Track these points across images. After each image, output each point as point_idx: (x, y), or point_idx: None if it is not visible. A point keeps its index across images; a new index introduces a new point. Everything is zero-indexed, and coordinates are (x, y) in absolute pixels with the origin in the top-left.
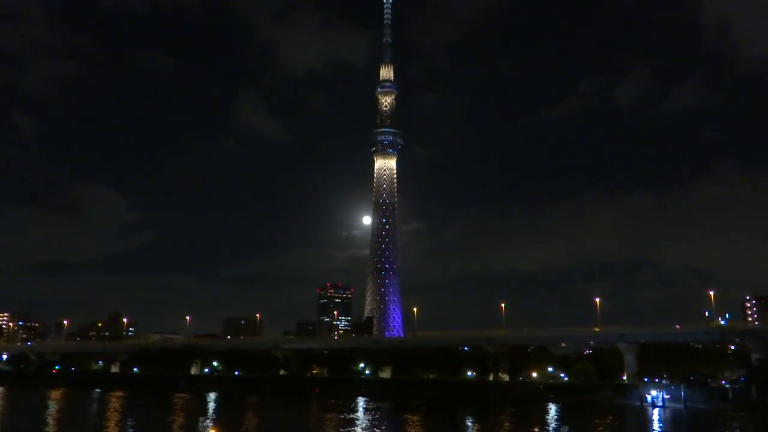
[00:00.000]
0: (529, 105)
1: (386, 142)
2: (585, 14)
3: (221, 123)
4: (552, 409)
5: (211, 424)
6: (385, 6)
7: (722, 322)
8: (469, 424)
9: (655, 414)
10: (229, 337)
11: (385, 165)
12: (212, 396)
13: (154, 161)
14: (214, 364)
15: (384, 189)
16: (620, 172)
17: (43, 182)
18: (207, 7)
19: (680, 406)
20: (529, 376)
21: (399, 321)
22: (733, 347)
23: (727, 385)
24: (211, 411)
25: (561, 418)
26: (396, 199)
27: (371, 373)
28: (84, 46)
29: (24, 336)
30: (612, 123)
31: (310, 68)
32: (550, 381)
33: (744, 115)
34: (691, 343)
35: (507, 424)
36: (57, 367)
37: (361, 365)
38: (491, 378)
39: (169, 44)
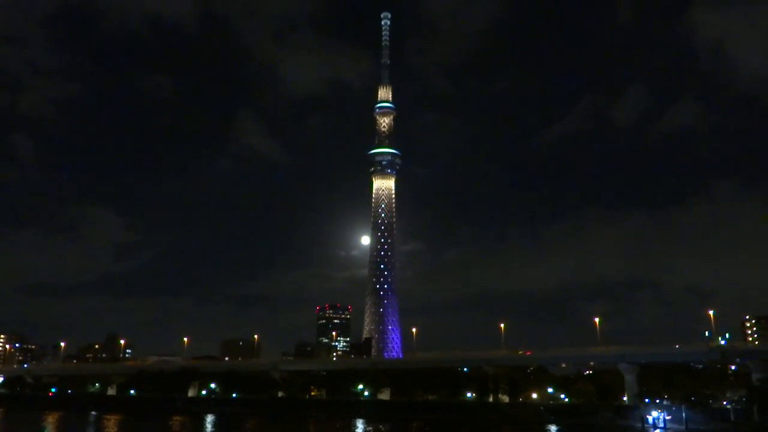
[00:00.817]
0: (526, 124)
1: (384, 163)
2: (582, 34)
3: (219, 143)
4: (552, 430)
5: None
6: (383, 28)
7: (722, 342)
8: None
9: None
10: (227, 358)
11: (384, 185)
12: (210, 419)
13: (151, 182)
14: (212, 386)
15: (382, 209)
16: (618, 191)
17: (40, 203)
18: (205, 27)
19: (681, 427)
20: (529, 397)
21: (398, 342)
22: (733, 367)
23: (729, 406)
24: None
25: None
26: (394, 220)
27: (370, 395)
28: (83, 68)
29: (20, 358)
30: (609, 142)
31: (309, 89)
32: (551, 402)
33: (740, 134)
34: (692, 364)
35: None
36: (53, 390)
37: (360, 387)
38: (491, 399)
39: (168, 65)
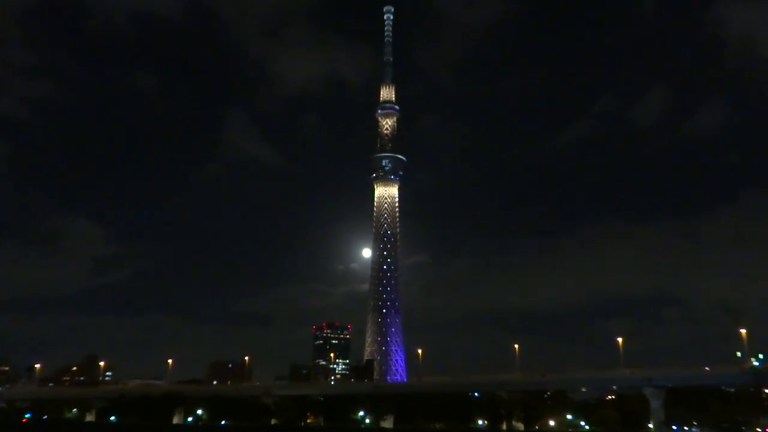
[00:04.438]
0: (539, 128)
1: (387, 168)
2: (599, 31)
3: (208, 147)
4: None
5: None
6: (385, 22)
7: (756, 364)
8: None
9: None
10: (215, 382)
11: (386, 193)
12: None
13: (135, 189)
14: (199, 412)
15: (385, 219)
16: (639, 200)
17: (14, 212)
18: (193, 22)
19: None
20: (546, 424)
21: (402, 364)
22: None
23: None
24: None
25: None
26: (398, 230)
27: (372, 422)
28: (60, 65)
29: None
30: (629, 147)
31: (305, 87)
32: (570, 430)
33: None
34: (723, 387)
35: None
36: (28, 415)
37: (361, 413)
38: (504, 427)
39: (153, 62)
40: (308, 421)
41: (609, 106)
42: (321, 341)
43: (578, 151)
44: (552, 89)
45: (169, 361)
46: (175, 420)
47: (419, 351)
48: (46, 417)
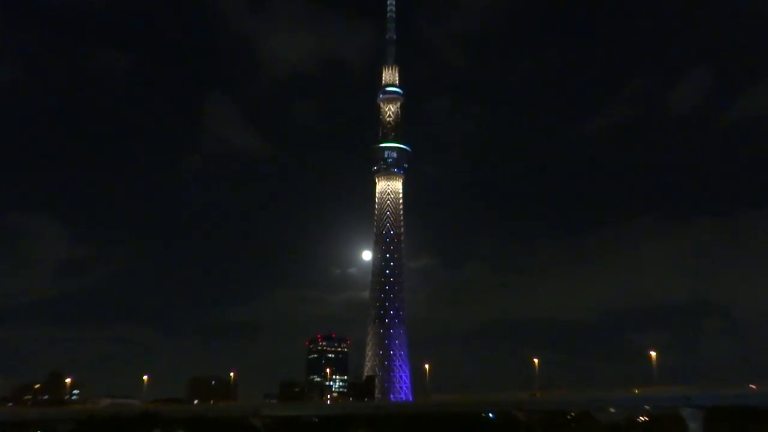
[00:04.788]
0: (562, 113)
1: (390, 160)
2: (631, 4)
3: (186, 136)
4: None
5: None
6: None
7: None
8: None
9: None
10: (196, 401)
11: (389, 187)
12: None
13: (104, 184)
14: None
15: (387, 217)
16: (677, 195)
17: None
18: None
19: None
20: None
21: (407, 381)
22: None
23: None
24: None
25: None
26: (402, 230)
27: None
28: (18, 44)
29: None
30: (664, 136)
31: (297, 69)
32: None
33: None
34: None
35: None
36: None
37: None
38: None
39: (123, 39)
40: None
41: (641, 90)
42: (315, 355)
43: (606, 140)
44: (577, 70)
45: (144, 377)
46: None
47: (426, 366)
48: None
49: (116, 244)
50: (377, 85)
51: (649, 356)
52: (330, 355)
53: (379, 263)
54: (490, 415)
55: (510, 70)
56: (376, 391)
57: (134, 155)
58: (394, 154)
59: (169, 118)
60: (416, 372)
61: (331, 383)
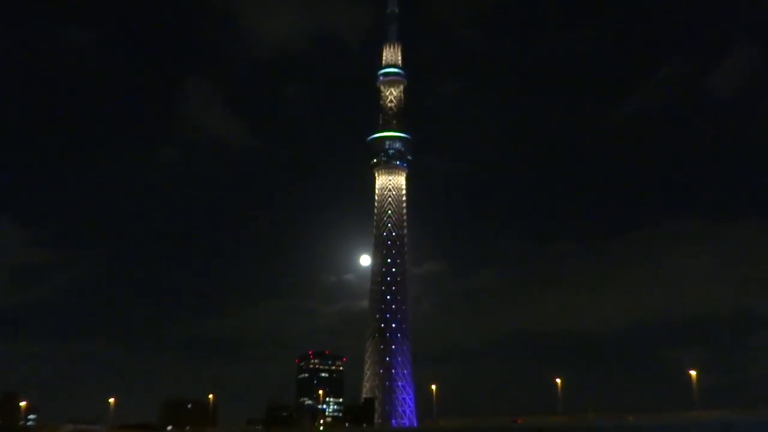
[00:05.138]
0: (587, 98)
1: (392, 152)
2: None
3: (160, 125)
4: None
5: None
6: None
7: None
8: None
9: None
10: (170, 428)
11: (391, 183)
12: None
13: (67, 180)
14: None
15: (389, 217)
16: (718, 192)
17: None
18: None
19: None
20: None
21: (411, 404)
22: None
23: None
24: None
25: None
26: (406, 231)
27: None
28: None
29: None
30: (703, 123)
31: (285, 48)
32: None
33: None
34: None
35: None
36: None
37: None
38: None
39: (88, 14)
40: None
41: (678, 71)
42: (306, 374)
43: (636, 129)
44: (603, 50)
45: (111, 400)
46: None
47: (433, 387)
48: None
49: (80, 248)
50: (377, 67)
51: (687, 375)
52: (323, 375)
53: (380, 269)
54: None
55: (529, 50)
56: (376, 416)
57: (100, 147)
58: (397, 145)
59: (140, 104)
60: (421, 393)
61: (325, 406)
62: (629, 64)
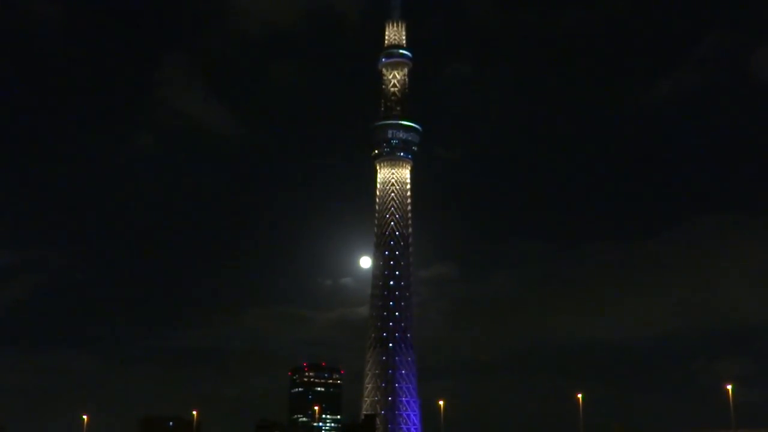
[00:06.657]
0: (613, 79)
1: (395, 142)
2: None
3: (135, 109)
4: None
5: None
6: None
7: None
8: None
9: None
10: None
11: (394, 176)
12: None
13: (32, 172)
14: None
15: (392, 214)
16: (761, 184)
17: None
18: None
19: None
20: None
21: (416, 421)
22: None
23: None
24: None
25: None
26: (410, 230)
27: None
28: None
29: None
30: (746, 107)
31: (275, 24)
32: None
33: None
34: None
35: None
36: None
37: None
38: None
39: None
40: None
41: (717, 50)
42: (301, 389)
43: (672, 113)
44: (635, 23)
45: (84, 416)
46: None
47: (440, 403)
48: None
49: (49, 249)
50: (379, 48)
51: (725, 390)
52: (319, 389)
53: (381, 272)
54: None
55: (549, 25)
56: None
57: (69, 135)
58: (401, 135)
59: (113, 87)
60: (427, 410)
61: (321, 424)
62: (663, 40)
